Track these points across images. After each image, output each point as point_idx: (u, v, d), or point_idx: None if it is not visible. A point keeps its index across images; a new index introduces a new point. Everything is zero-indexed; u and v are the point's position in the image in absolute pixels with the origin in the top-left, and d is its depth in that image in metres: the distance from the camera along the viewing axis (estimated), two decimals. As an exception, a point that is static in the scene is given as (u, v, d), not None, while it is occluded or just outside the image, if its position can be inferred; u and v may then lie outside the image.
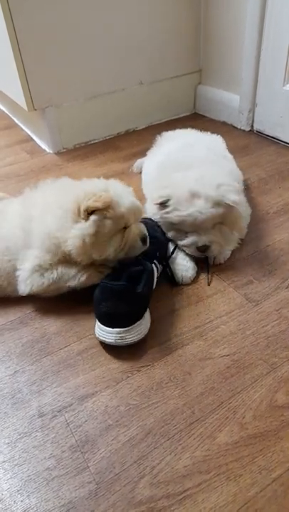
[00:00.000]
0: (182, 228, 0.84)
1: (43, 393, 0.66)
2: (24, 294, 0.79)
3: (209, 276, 0.86)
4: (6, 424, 0.62)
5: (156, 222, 0.89)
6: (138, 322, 0.72)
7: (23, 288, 0.77)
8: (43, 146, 1.49)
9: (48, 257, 0.76)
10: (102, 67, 1.39)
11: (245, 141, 1.42)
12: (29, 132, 1.61)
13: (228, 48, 1.44)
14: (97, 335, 0.73)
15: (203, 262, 0.88)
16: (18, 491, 0.55)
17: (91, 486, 0.55)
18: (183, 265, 0.85)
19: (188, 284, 0.85)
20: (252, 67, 1.36)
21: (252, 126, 1.47)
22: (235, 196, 0.81)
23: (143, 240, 0.78)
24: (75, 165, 1.36)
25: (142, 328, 0.72)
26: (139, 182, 1.17)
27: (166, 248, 0.88)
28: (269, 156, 1.32)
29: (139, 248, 0.78)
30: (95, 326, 0.75)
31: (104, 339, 0.71)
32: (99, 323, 0.72)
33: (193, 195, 0.80)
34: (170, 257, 0.87)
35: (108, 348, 0.73)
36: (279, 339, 0.72)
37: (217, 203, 0.80)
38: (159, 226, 0.89)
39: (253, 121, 1.46)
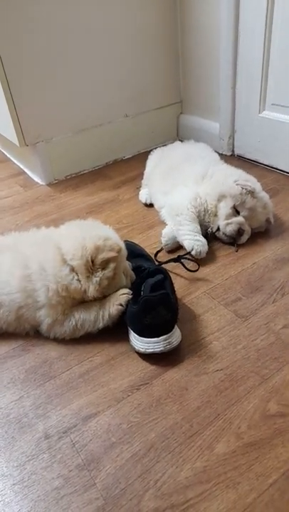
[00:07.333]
0: (239, 208, 1.06)
1: (48, 416, 0.69)
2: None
3: (236, 247, 1.06)
4: (14, 448, 0.65)
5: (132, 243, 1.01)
6: (176, 325, 0.78)
7: (50, 336, 0.84)
8: (36, 178, 1.56)
9: (59, 309, 0.80)
10: (88, 103, 1.47)
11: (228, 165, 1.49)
12: (21, 166, 1.67)
13: (206, 80, 1.54)
14: (142, 349, 0.76)
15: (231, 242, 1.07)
16: (29, 511, 0.57)
17: (98, 502, 0.57)
18: (197, 240, 1.01)
19: (181, 303, 0.90)
20: (229, 97, 1.46)
21: (233, 151, 1.56)
22: None
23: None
24: (67, 195, 1.43)
25: (177, 330, 0.78)
26: (129, 209, 1.26)
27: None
28: (250, 179, 1.39)
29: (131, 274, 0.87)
30: (132, 343, 0.78)
31: (152, 350, 0.75)
32: (141, 338, 0.76)
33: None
34: (178, 258, 0.97)
35: (108, 369, 0.77)
36: (268, 351, 0.77)
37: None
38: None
39: (233, 146, 1.55)
